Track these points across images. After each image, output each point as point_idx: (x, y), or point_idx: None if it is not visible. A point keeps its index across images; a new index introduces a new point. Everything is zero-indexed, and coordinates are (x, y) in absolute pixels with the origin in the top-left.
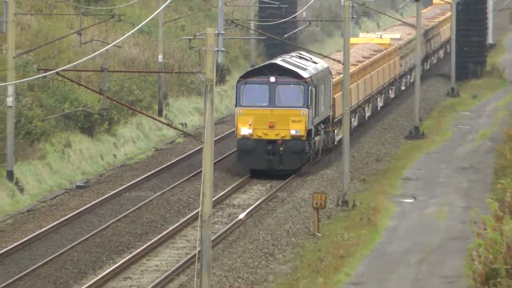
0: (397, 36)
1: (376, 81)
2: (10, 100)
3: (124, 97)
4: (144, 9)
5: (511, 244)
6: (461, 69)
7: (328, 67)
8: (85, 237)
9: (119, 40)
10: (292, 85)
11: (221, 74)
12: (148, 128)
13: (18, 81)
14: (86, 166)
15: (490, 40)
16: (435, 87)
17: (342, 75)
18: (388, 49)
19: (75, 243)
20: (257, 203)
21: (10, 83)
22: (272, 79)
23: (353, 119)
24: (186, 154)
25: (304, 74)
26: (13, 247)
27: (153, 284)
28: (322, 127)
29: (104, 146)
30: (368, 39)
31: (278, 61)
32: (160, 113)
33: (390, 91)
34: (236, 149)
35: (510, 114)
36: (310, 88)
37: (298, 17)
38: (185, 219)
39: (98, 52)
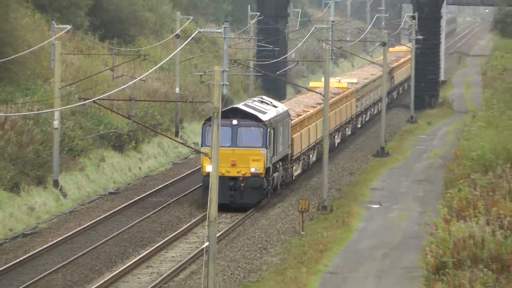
0: (354, 80)
1: (333, 121)
2: (56, 123)
3: (147, 121)
4: (164, 51)
5: (457, 242)
6: (419, 100)
7: (287, 110)
8: (116, 233)
9: (144, 75)
10: (252, 127)
11: (226, 103)
12: (167, 146)
13: (63, 107)
14: (117, 177)
15: (442, 77)
16: (398, 115)
17: (300, 116)
18: (345, 92)
19: (107, 238)
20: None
21: (56, 109)
22: (235, 121)
23: (311, 155)
24: (197, 168)
25: (263, 117)
26: (57, 241)
27: (169, 271)
28: (281, 164)
29: (132, 160)
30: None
31: (240, 105)
32: (176, 134)
33: (347, 129)
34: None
35: (457, 137)
36: (268, 130)
37: (288, 58)
38: (195, 219)
39: (127, 84)
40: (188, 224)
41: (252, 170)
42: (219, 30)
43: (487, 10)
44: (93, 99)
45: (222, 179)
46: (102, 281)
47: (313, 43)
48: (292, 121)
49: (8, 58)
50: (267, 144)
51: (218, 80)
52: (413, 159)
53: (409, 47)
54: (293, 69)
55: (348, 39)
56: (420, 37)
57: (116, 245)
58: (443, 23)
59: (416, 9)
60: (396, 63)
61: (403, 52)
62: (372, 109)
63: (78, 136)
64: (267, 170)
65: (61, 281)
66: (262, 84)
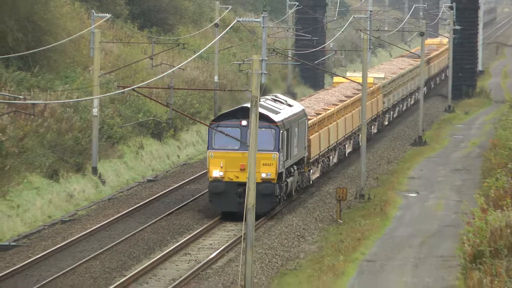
0: (381, 75)
1: (357, 118)
2: (95, 111)
3: (186, 109)
4: (203, 39)
5: (494, 231)
6: (456, 90)
7: (303, 110)
8: (154, 221)
9: (183, 63)
10: (263, 129)
11: (264, 92)
12: (205, 134)
13: (102, 95)
14: (155, 164)
15: (480, 67)
16: (435, 105)
17: (319, 115)
18: (371, 88)
19: (145, 225)
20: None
21: (95, 97)
22: (244, 122)
23: (332, 156)
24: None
25: (276, 118)
26: (96, 228)
27: (207, 259)
28: (296, 168)
29: (170, 148)
30: (354, 78)
31: None
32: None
33: (372, 127)
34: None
35: (494, 127)
36: (281, 131)
37: (326, 47)
38: None
39: (166, 73)
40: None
41: (263, 175)
42: (258, 20)
43: None
44: (132, 87)
45: (230, 185)
46: (140, 268)
47: (351, 32)
48: (310, 121)
49: (48, 46)
50: (280, 147)
51: (256, 69)
52: (450, 148)
53: (441, 40)
54: (331, 59)
55: (386, 29)
56: (458, 27)
57: (154, 232)
58: (480, 13)
59: (454, 0)
60: (428, 56)
61: (435, 45)
62: (401, 105)
63: (117, 123)
64: (279, 175)
65: (99, 268)
66: (300, 73)
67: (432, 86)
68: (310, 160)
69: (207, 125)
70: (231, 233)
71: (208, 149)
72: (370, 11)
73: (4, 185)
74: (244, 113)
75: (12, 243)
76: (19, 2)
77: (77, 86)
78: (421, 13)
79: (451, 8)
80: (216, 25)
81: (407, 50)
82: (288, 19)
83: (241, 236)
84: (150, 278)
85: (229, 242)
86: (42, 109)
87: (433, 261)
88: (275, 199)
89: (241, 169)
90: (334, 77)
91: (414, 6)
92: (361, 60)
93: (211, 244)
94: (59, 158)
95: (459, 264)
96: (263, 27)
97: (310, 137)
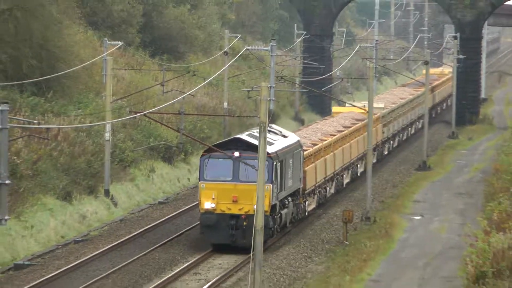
0: (381, 105)
1: (355, 148)
2: (107, 135)
3: (196, 134)
4: (213, 67)
5: (496, 253)
6: (460, 117)
7: (298, 141)
8: (164, 241)
9: (193, 90)
10: (256, 160)
11: (272, 118)
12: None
13: (114, 120)
14: (166, 187)
15: (483, 95)
16: (439, 131)
17: (316, 146)
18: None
19: (156, 245)
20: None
21: (107, 122)
22: (236, 153)
23: (329, 187)
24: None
25: (269, 149)
26: (108, 248)
27: (217, 277)
28: (290, 200)
29: (181, 171)
30: (351, 109)
31: (244, 135)
32: None
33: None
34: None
35: (497, 152)
36: (275, 163)
37: (333, 75)
38: None
39: (177, 99)
40: None
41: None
42: (266, 48)
43: None
44: (143, 113)
45: (222, 217)
46: (151, 287)
47: (358, 61)
48: (306, 152)
49: (61, 73)
50: (273, 179)
51: (265, 96)
52: (454, 173)
53: (442, 69)
54: (338, 86)
55: (391, 57)
56: (461, 56)
57: (165, 252)
58: (484, 43)
59: (458, 30)
60: (432, 85)
61: (437, 75)
62: (401, 134)
63: (128, 147)
64: (273, 207)
65: (111, 287)
66: (308, 100)
67: (433, 115)
68: (306, 192)
69: (217, 150)
70: (240, 253)
71: (199, 180)
72: (376, 40)
73: (18, 206)
74: (236, 144)
75: (27, 262)
76: (33, 30)
77: (90, 112)
78: (425, 43)
79: (455, 38)
80: (226, 53)
81: (412, 78)
82: (296, 48)
83: (250, 256)
84: None
85: (238, 262)
86: (55, 133)
87: (437, 281)
88: (268, 232)
89: (233, 201)
90: (333, 107)
91: (419, 36)
92: (367, 87)
93: (220, 264)
94: (72, 181)
95: (462, 284)
96: (271, 55)
97: (306, 168)
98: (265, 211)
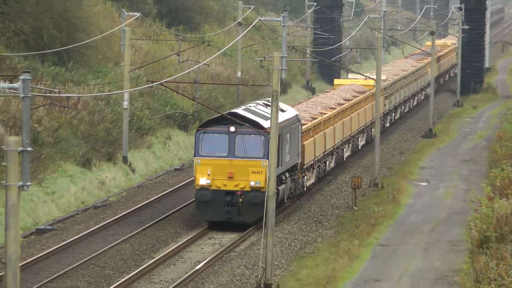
0: (382, 77)
1: (356, 122)
2: (125, 104)
3: (211, 102)
4: (227, 37)
5: (499, 218)
6: (464, 86)
7: (296, 115)
8: (180, 207)
9: (208, 60)
10: (252, 135)
11: (284, 87)
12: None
13: (132, 89)
14: (182, 154)
15: (487, 65)
16: (445, 100)
17: (315, 120)
18: (372, 90)
19: (173, 210)
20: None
21: (125, 91)
22: (232, 128)
23: (329, 162)
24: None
25: (266, 124)
26: (126, 213)
27: (230, 242)
28: (288, 175)
29: (191, 139)
30: (354, 81)
31: (240, 110)
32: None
33: (372, 129)
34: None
35: (500, 120)
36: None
37: (342, 45)
38: None
39: (192, 68)
40: None
41: (252, 183)
42: (279, 19)
43: None
44: (160, 82)
45: (218, 193)
46: (168, 251)
47: (366, 31)
48: (304, 126)
49: (81, 43)
50: (269, 154)
51: (277, 65)
52: (459, 140)
53: (445, 41)
54: (347, 56)
55: (398, 28)
56: (466, 27)
57: (181, 217)
58: (488, 14)
59: (463, 1)
60: (436, 55)
61: (439, 46)
62: (403, 106)
63: (146, 116)
64: None
65: (129, 250)
66: (318, 70)
67: (441, 82)
68: (304, 167)
69: (230, 117)
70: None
71: (194, 156)
72: (384, 11)
73: (40, 173)
74: (231, 119)
75: (48, 227)
76: (53, 1)
77: (109, 81)
78: (431, 14)
79: (460, 9)
80: (239, 23)
81: (418, 48)
82: (307, 19)
83: (263, 221)
84: (177, 260)
85: (251, 227)
86: (75, 102)
87: (442, 246)
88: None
89: (229, 177)
90: (335, 79)
91: (425, 7)
92: (375, 57)
93: (233, 229)
94: (91, 148)
95: (466, 248)
96: (283, 26)
97: (304, 142)
98: (261, 188)
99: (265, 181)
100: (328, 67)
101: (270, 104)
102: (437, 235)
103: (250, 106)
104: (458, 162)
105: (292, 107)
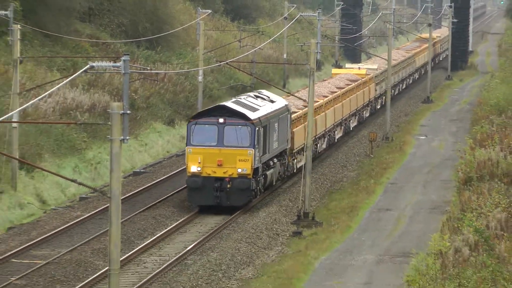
0: (374, 67)
1: (348, 107)
2: (200, 78)
3: (264, 77)
4: (276, 28)
5: (479, 163)
6: (454, 64)
7: (286, 105)
8: None
9: (261, 45)
10: (239, 126)
11: (318, 65)
12: (279, 94)
13: (205, 67)
14: None
15: (470, 48)
16: (439, 75)
17: (303, 110)
18: (364, 78)
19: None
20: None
21: (200, 68)
22: (221, 120)
23: (320, 144)
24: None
25: (252, 116)
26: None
27: (275, 182)
28: (276, 161)
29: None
30: (349, 70)
31: (229, 103)
32: (284, 86)
33: (364, 111)
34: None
35: (480, 90)
36: (257, 129)
37: (362, 34)
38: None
39: (249, 52)
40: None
41: (239, 170)
42: (314, 14)
43: (502, 2)
44: (226, 61)
45: (208, 180)
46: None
47: (380, 24)
48: (295, 114)
49: (167, 33)
50: (255, 144)
51: (313, 49)
52: (449, 105)
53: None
54: (366, 42)
55: (404, 21)
56: (455, 20)
57: None
58: (471, 11)
59: (452, 0)
60: (419, 49)
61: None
62: (393, 90)
63: (215, 87)
64: (255, 170)
65: None
66: (344, 52)
67: (417, 77)
68: (294, 151)
69: (278, 88)
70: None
71: (186, 145)
72: (393, 8)
73: (136, 130)
74: (221, 111)
75: (142, 170)
76: (146, 1)
77: (188, 61)
78: (429, 10)
79: (450, 7)
80: (285, 18)
81: (419, 36)
82: (336, 14)
83: (302, 166)
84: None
85: (294, 171)
86: (162, 77)
87: (436, 183)
88: (251, 193)
89: (218, 165)
90: (333, 68)
91: (424, 5)
92: (387, 43)
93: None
94: (174, 111)
95: (454, 186)
96: (318, 19)
97: (294, 129)
98: (248, 174)
99: (251, 168)
100: (351, 50)
101: (260, 95)
102: (432, 175)
103: (240, 99)
104: (449, 121)
105: (290, 95)
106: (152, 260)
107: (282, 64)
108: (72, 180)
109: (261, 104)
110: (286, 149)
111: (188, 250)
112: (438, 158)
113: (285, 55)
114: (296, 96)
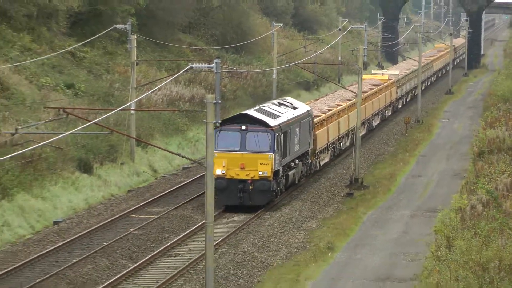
0: (396, 72)
1: (370, 108)
2: (274, 76)
3: (323, 74)
4: (332, 37)
5: (490, 140)
6: (469, 64)
7: (308, 111)
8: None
9: (321, 50)
10: (260, 132)
11: (364, 65)
12: (333, 88)
13: (278, 67)
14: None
15: (482, 52)
16: (458, 72)
17: (328, 112)
18: (385, 83)
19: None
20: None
21: (274, 68)
22: (243, 127)
23: (344, 142)
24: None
25: (272, 123)
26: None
27: (297, 181)
28: (297, 162)
29: (314, 96)
30: (373, 76)
31: (251, 111)
32: (339, 81)
33: (386, 111)
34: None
35: (490, 84)
36: (276, 135)
37: (399, 41)
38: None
39: (312, 55)
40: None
41: (260, 173)
42: (362, 26)
43: (507, 17)
44: (294, 63)
45: (232, 182)
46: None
47: (412, 33)
48: (317, 118)
49: (249, 41)
50: (275, 148)
51: (361, 53)
52: (466, 95)
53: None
54: (402, 48)
55: (431, 31)
56: (470, 30)
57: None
58: (483, 23)
59: (468, 15)
60: (436, 57)
61: (443, 47)
62: (413, 92)
63: (285, 82)
64: (275, 172)
65: None
66: (385, 55)
67: (434, 79)
68: (317, 151)
69: (335, 83)
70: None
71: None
72: (423, 21)
73: (226, 115)
74: (243, 118)
75: None
76: (233, 17)
77: (264, 63)
78: (450, 23)
79: (467, 20)
80: (339, 29)
81: (443, 43)
82: (378, 26)
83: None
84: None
85: (317, 168)
86: (245, 75)
87: (457, 156)
88: (271, 194)
89: (240, 168)
90: (363, 75)
91: (446, 19)
92: (417, 48)
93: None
94: (255, 101)
95: (470, 157)
96: (365, 30)
97: (317, 132)
98: (268, 177)
99: (271, 171)
100: (391, 54)
101: (284, 103)
102: (453, 150)
103: (263, 107)
104: (466, 108)
105: (317, 100)
106: (238, 215)
107: (337, 64)
108: (177, 154)
109: (283, 111)
110: (308, 150)
111: (266, 208)
112: (457, 137)
113: (339, 58)
114: (347, 89)
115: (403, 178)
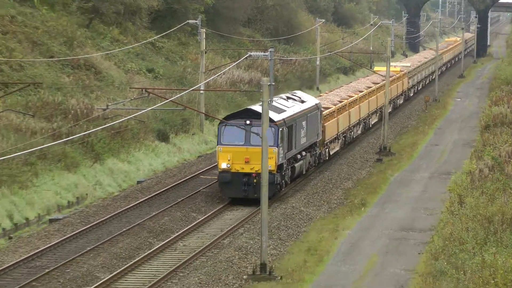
0: (408, 64)
1: (382, 99)
2: (318, 62)
3: (357, 61)
4: (365, 30)
5: (495, 115)
6: (478, 53)
7: (316, 104)
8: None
9: (357, 41)
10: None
11: (392, 54)
12: (366, 73)
13: (321, 55)
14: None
15: (488, 43)
16: (468, 60)
17: (335, 106)
18: (398, 74)
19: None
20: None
21: (318, 56)
22: (248, 122)
23: (355, 131)
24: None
25: (276, 118)
26: None
27: (305, 171)
28: (304, 153)
29: (350, 79)
30: (380, 69)
31: (256, 106)
32: (370, 67)
33: (398, 100)
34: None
35: (495, 69)
36: (280, 129)
37: (420, 34)
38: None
39: (348, 46)
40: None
41: None
42: (389, 22)
43: (509, 14)
44: (334, 52)
45: (237, 175)
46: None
47: (431, 28)
48: (326, 111)
49: (297, 34)
50: (279, 143)
51: (389, 44)
52: (476, 78)
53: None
54: (423, 39)
55: (446, 26)
56: (478, 25)
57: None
58: (489, 19)
59: (477, 13)
60: (447, 49)
61: (452, 41)
62: (424, 81)
63: (327, 68)
64: (279, 166)
65: None
66: (408, 46)
67: (444, 69)
68: (326, 142)
69: (368, 69)
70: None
71: (217, 145)
72: (440, 18)
73: (277, 95)
74: (248, 113)
75: None
76: (283, 14)
77: (310, 52)
78: (462, 19)
79: (476, 16)
80: (371, 24)
81: (456, 36)
82: (403, 22)
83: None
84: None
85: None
86: (294, 61)
87: (467, 128)
88: (275, 187)
89: (245, 162)
90: (374, 67)
91: (459, 16)
92: (435, 40)
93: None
94: (302, 83)
95: (478, 130)
96: (392, 25)
97: (326, 123)
98: (272, 170)
99: (275, 164)
100: (413, 45)
101: (292, 97)
102: (464, 123)
103: (269, 101)
104: (475, 89)
105: (331, 91)
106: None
107: (369, 53)
108: (237, 126)
109: (290, 105)
110: (316, 141)
111: (310, 170)
112: (468, 112)
113: (371, 48)
114: (377, 73)
115: (423, 146)
